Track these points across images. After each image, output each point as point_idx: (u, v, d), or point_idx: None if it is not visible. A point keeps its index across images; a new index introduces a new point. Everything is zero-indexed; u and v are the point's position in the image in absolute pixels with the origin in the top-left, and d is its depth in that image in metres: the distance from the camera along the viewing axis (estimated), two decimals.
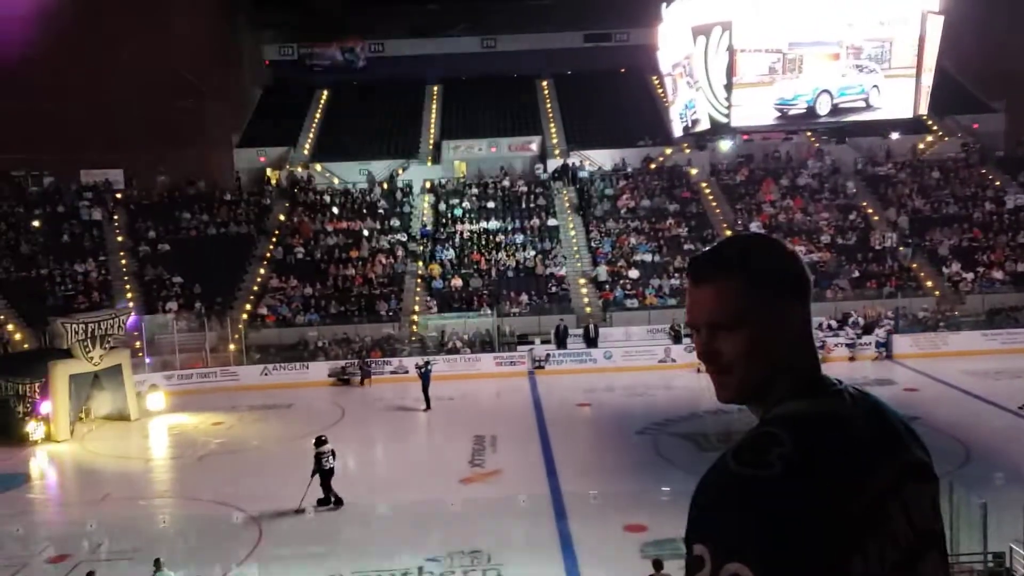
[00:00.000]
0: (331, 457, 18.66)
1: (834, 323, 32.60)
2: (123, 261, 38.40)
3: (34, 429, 25.66)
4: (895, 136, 42.53)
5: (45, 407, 25.90)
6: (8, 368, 27.67)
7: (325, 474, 18.59)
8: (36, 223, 39.45)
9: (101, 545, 17.25)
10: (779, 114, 24.19)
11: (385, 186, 43.37)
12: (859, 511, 1.55)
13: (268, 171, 45.43)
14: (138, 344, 31.80)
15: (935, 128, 44.57)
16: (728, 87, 23.38)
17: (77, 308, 32.50)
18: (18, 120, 39.49)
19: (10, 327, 32.97)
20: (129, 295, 36.23)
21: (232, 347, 33.39)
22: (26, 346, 31.97)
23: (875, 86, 23.91)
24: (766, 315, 1.72)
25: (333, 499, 18.61)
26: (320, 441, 18.92)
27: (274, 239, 39.80)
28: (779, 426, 1.62)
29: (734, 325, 1.72)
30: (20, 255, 37.15)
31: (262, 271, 37.97)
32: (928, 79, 24.26)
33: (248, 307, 35.78)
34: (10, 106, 39.31)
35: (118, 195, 42.41)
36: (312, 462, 18.55)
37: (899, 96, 24.16)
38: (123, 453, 25.08)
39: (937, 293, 35.04)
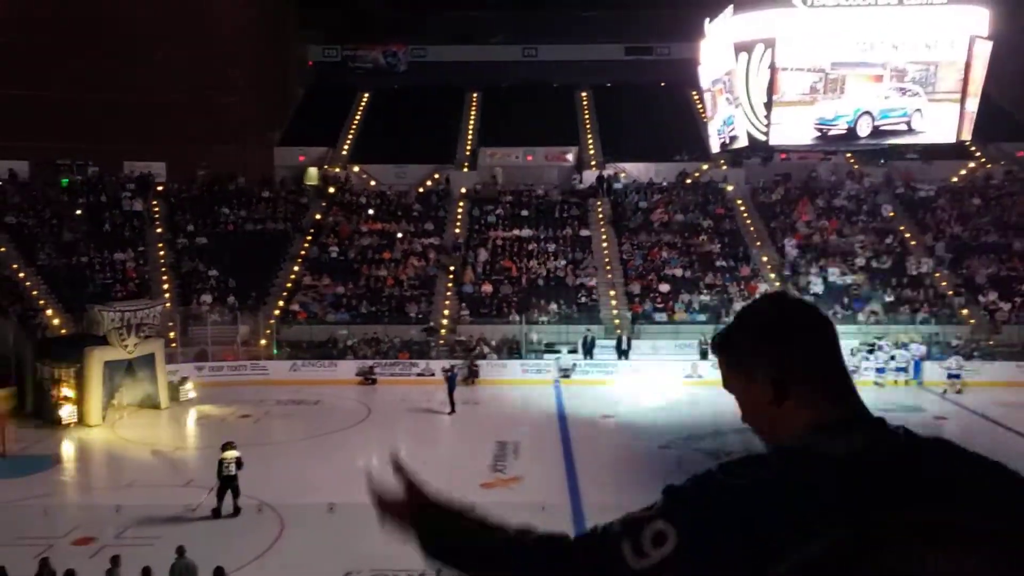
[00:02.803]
0: (233, 465, 18.07)
1: (865, 347, 32.28)
2: (161, 252, 38.96)
3: (67, 413, 26.13)
4: (914, 157, 42.04)
5: (79, 393, 26.33)
6: (45, 352, 28.19)
7: (223, 481, 18.10)
8: (79, 212, 40.10)
9: (126, 530, 17.51)
10: (819, 134, 24.06)
11: (421, 190, 43.69)
12: (810, 550, 1.53)
13: (310, 170, 45.94)
14: (172, 335, 32.24)
15: (978, 154, 44.09)
16: (768, 105, 23.32)
17: (115, 297, 33.02)
18: (65, 110, 40.31)
19: (49, 312, 33.55)
20: (165, 286, 36.74)
21: (263, 342, 33.78)
22: (63, 331, 32.50)
23: (918, 109, 23.71)
24: (742, 388, 1.87)
25: (233, 508, 18.06)
26: (224, 447, 18.48)
27: (309, 237, 40.19)
28: (776, 455, 1.72)
29: (728, 389, 1.91)
30: (62, 242, 37.79)
31: (296, 268, 38.36)
32: (973, 104, 24.02)
33: (281, 303, 36.17)
34: (58, 97, 40.13)
35: (159, 187, 43.05)
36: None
37: (942, 120, 23.94)
38: (152, 441, 25.45)
39: (972, 321, 34.62)
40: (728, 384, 1.90)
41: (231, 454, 18.29)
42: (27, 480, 21.18)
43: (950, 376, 30.73)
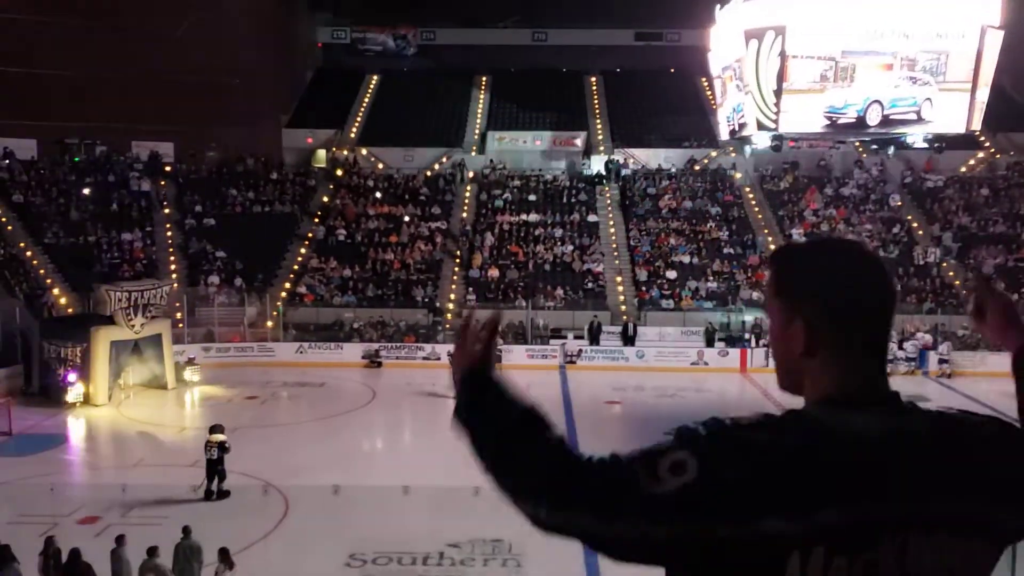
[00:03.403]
0: (215, 450, 17.98)
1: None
2: (169, 233, 39.03)
3: (74, 392, 26.25)
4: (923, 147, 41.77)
5: (85, 372, 26.47)
6: (52, 331, 28.29)
7: (208, 464, 18.09)
8: (86, 191, 40.15)
9: (131, 510, 17.61)
10: (828, 122, 23.95)
11: (429, 173, 43.66)
12: (815, 521, 1.54)
13: (318, 152, 45.95)
14: (179, 315, 32.33)
15: (987, 144, 43.88)
16: (778, 92, 23.23)
17: (122, 276, 33.09)
18: (74, 89, 40.28)
19: (56, 291, 33.64)
20: (173, 267, 36.83)
21: (270, 324, 33.88)
22: (70, 311, 32.62)
23: (928, 99, 23.60)
24: (781, 320, 1.79)
25: (215, 491, 18.09)
26: (211, 429, 18.46)
27: (317, 220, 40.21)
28: (792, 421, 1.67)
29: (766, 312, 1.85)
30: (70, 221, 37.86)
31: (303, 251, 38.41)
32: (983, 94, 23.89)
33: (287, 285, 36.24)
34: (67, 75, 40.10)
35: (167, 168, 43.07)
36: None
37: (952, 110, 23.82)
38: (158, 421, 25.56)
39: None
40: (769, 311, 1.82)
41: (216, 438, 18.17)
42: (33, 459, 21.30)
43: (941, 362, 31.37)
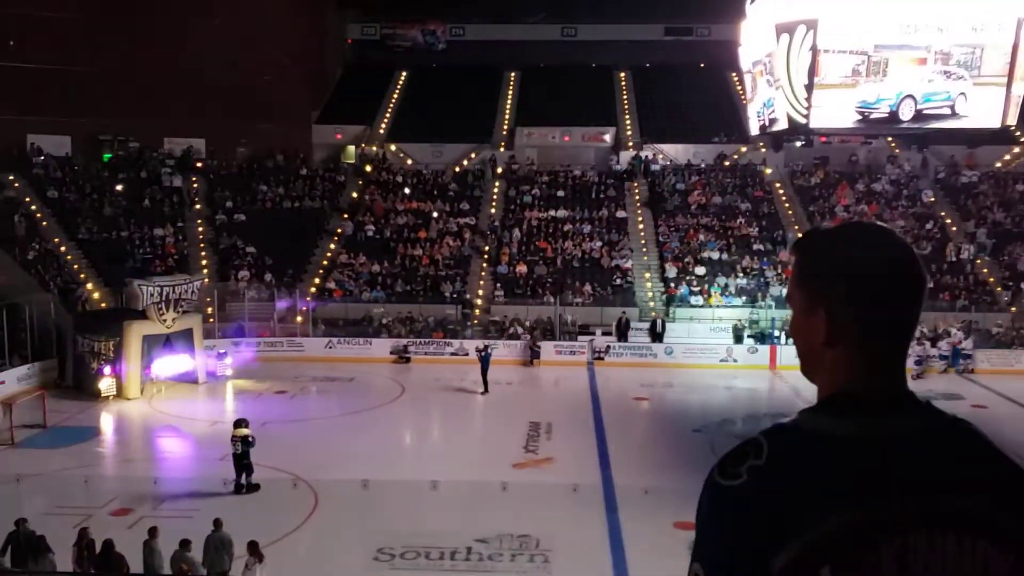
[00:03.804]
0: (240, 443, 18.12)
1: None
2: (200, 228, 39.38)
3: (106, 386, 26.57)
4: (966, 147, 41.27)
5: (118, 366, 26.79)
6: (85, 326, 28.64)
7: (234, 458, 18.23)
8: (119, 187, 40.59)
9: (163, 502, 17.81)
10: (860, 117, 23.65)
11: (457, 169, 43.72)
12: (812, 535, 1.53)
13: (347, 148, 46.16)
14: (210, 310, 32.62)
15: (1023, 140, 43.23)
16: (809, 87, 22.97)
17: (154, 272, 33.44)
18: (107, 86, 40.74)
19: (89, 286, 34.05)
20: (204, 262, 37.16)
21: (299, 319, 34.08)
22: (103, 305, 32.99)
23: (962, 93, 23.23)
24: (802, 308, 1.75)
25: (244, 484, 18.24)
26: (235, 424, 18.63)
27: (346, 215, 40.40)
28: (768, 435, 1.65)
29: (788, 300, 1.81)
30: (103, 217, 38.29)
31: (332, 246, 38.61)
32: (1020, 88, 23.47)
33: (317, 280, 36.45)
34: (100, 73, 40.57)
35: (199, 164, 43.44)
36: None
37: (987, 105, 23.44)
38: (189, 414, 25.82)
39: (1013, 309, 34.05)
40: (790, 298, 1.78)
41: (240, 432, 18.35)
42: (67, 451, 21.61)
43: (964, 356, 31.14)
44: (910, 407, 1.67)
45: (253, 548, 13.16)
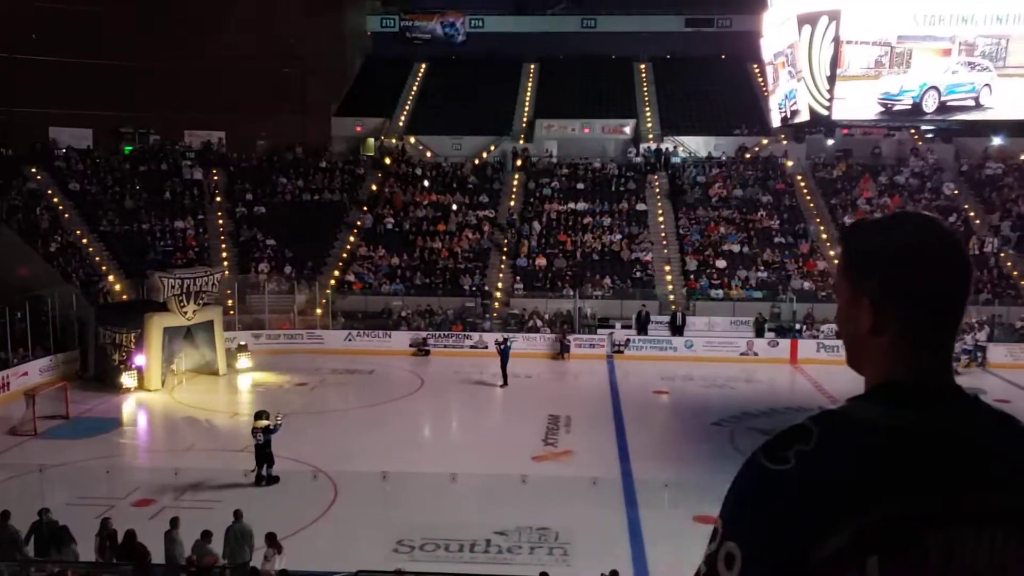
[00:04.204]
0: (260, 434, 18.29)
1: None
2: (220, 221, 39.55)
3: (128, 378, 26.76)
4: (997, 140, 40.82)
5: (139, 359, 27.00)
6: (107, 317, 28.85)
7: (256, 449, 18.41)
8: (140, 180, 40.81)
9: (184, 493, 17.93)
10: (883, 109, 23.41)
11: (477, 161, 43.69)
12: (860, 524, 1.51)
13: (367, 141, 46.24)
14: (230, 302, 32.77)
15: None
16: (831, 79, 22.76)
17: (175, 264, 33.63)
18: (128, 79, 40.98)
19: (111, 278, 34.29)
20: (224, 254, 37.34)
21: (319, 311, 34.22)
22: (125, 297, 33.23)
23: (987, 85, 22.95)
24: (848, 298, 1.73)
25: (265, 476, 18.37)
26: (256, 415, 18.85)
27: (365, 208, 40.47)
28: (818, 421, 1.62)
29: (835, 291, 1.78)
30: (124, 210, 38.53)
31: (352, 239, 38.69)
32: None
33: (336, 273, 36.55)
34: (121, 66, 40.79)
35: (219, 156, 43.61)
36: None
37: (1013, 96, 23.18)
38: (210, 406, 25.97)
39: None
40: (837, 289, 1.77)
41: (260, 423, 18.52)
42: (89, 442, 21.79)
43: (977, 349, 30.86)
44: (958, 400, 1.65)
45: (271, 539, 13.24)
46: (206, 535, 13.50)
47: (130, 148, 43.68)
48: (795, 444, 1.59)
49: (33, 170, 39.07)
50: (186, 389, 27.53)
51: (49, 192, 38.23)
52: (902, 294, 1.66)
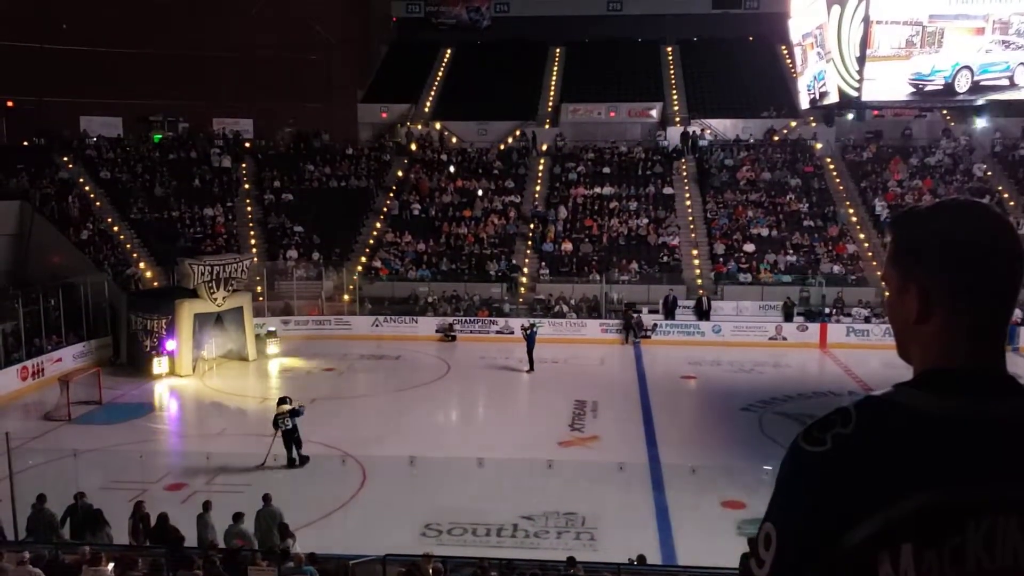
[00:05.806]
0: (288, 419, 18.58)
1: None
2: (248, 208, 39.80)
3: (159, 363, 27.08)
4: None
5: (170, 345, 27.31)
6: (138, 304, 29.18)
7: (284, 435, 18.67)
8: (169, 168, 41.17)
9: (215, 477, 18.14)
10: (914, 90, 23.08)
11: (502, 146, 43.62)
12: (895, 510, 1.51)
13: (397, 127, 46.32)
14: (259, 289, 33.02)
15: None
16: (861, 59, 22.47)
17: (204, 251, 33.91)
18: (157, 68, 41.29)
19: (142, 265, 34.64)
20: (253, 241, 37.59)
21: (346, 297, 34.40)
22: (155, 284, 33.58)
23: (1021, 63, 22.60)
24: (896, 286, 1.72)
25: (296, 459, 18.70)
26: (279, 401, 19.08)
27: (392, 194, 40.56)
28: (858, 406, 1.62)
29: (883, 280, 1.78)
30: (154, 197, 38.87)
31: (378, 225, 38.81)
32: None
33: (363, 259, 36.69)
34: (150, 55, 41.09)
35: (247, 144, 43.86)
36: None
37: None
38: (240, 391, 26.23)
39: None
40: (886, 278, 1.75)
41: (283, 408, 18.75)
42: (121, 427, 22.11)
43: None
44: (1009, 388, 1.62)
45: (283, 530, 13.32)
46: (238, 517, 13.67)
47: (159, 136, 44.02)
48: (834, 427, 1.59)
49: (64, 159, 39.48)
50: (216, 375, 27.82)
51: (80, 181, 38.63)
52: (949, 281, 1.64)
